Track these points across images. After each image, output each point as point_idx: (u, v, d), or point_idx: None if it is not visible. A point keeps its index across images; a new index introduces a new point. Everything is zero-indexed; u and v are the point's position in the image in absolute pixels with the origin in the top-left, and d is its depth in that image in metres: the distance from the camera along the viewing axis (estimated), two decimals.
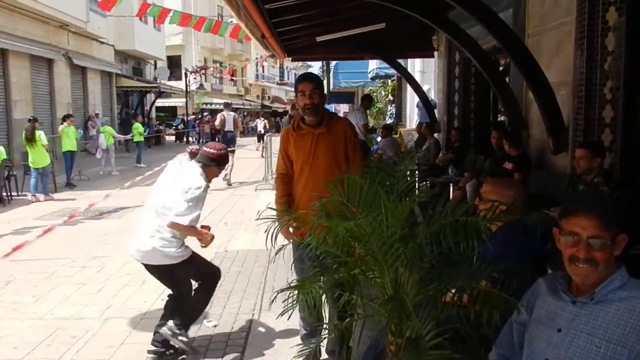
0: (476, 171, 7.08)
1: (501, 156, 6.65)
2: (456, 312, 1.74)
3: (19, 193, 11.60)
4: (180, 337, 3.72)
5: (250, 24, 7.01)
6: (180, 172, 3.75)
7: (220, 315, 4.57)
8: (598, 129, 4.98)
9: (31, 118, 11.60)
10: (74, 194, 12.16)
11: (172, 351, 3.77)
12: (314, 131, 3.26)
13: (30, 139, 11.04)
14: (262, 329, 4.30)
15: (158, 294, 5.09)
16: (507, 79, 7.47)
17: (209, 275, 3.94)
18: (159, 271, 3.78)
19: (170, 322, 3.74)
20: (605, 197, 1.69)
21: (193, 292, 3.88)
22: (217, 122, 13.49)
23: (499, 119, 8.99)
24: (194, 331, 4.26)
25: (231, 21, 20.77)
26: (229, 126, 12.96)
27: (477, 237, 1.73)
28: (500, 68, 8.63)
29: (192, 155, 4.01)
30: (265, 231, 2.05)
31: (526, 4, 6.79)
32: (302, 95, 3.21)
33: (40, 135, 11.20)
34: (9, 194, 11.03)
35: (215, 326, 4.37)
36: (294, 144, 3.32)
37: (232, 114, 13.80)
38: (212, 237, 3.72)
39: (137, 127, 18.64)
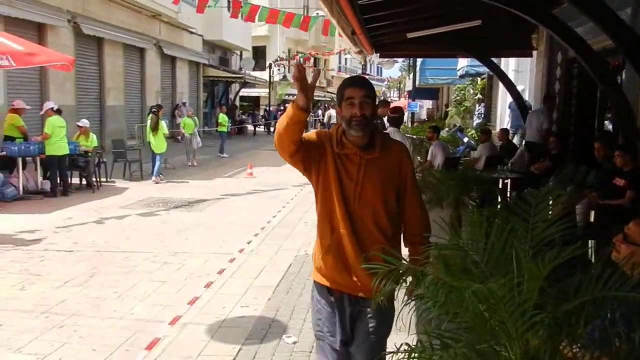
0: (580, 185, 6.46)
1: (610, 170, 6.02)
2: None
3: (108, 179, 11.99)
4: None
5: (342, 21, 6.76)
6: None
7: (300, 331, 4.34)
8: None
9: (154, 110, 13.18)
10: (160, 183, 12.43)
11: None
12: (363, 154, 2.44)
13: (155, 128, 12.67)
14: None
15: (236, 300, 4.96)
16: None
17: None
18: None
19: None
20: None
21: None
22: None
23: (603, 127, 8.26)
24: (272, 347, 4.06)
25: (317, 13, 20.69)
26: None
27: None
28: None
29: None
30: (374, 282, 1.71)
31: None
32: (349, 105, 2.40)
33: (162, 124, 12.96)
34: (98, 179, 11.41)
35: (294, 343, 4.14)
36: (332, 164, 2.45)
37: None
38: None
39: (222, 117, 18.89)
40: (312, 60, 40.23)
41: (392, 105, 10.39)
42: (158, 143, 12.66)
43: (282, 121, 2.31)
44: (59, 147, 10.14)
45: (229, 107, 26.24)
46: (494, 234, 1.63)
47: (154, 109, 13.25)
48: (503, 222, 1.68)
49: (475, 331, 1.55)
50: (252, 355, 3.94)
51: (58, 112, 10.44)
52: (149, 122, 13.20)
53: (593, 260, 4.81)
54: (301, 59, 37.89)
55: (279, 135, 2.34)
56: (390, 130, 6.57)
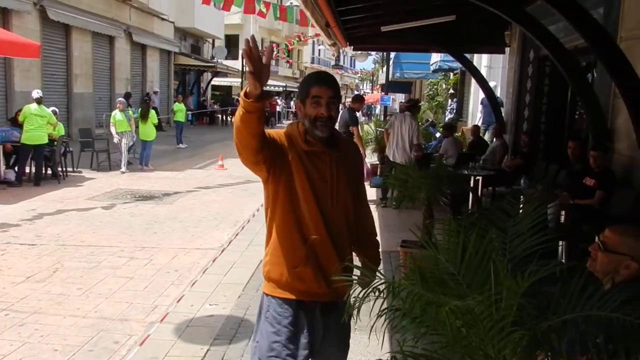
0: (550, 184, 6.51)
1: (580, 169, 6.08)
2: None
3: (74, 169, 11.67)
4: None
5: (316, 13, 6.65)
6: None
7: None
8: None
9: (146, 98, 13.86)
10: (129, 173, 12.15)
11: None
12: (331, 152, 2.30)
13: (144, 116, 12.88)
14: None
15: (205, 299, 4.85)
16: None
17: None
18: None
19: None
20: None
21: None
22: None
23: (574, 126, 8.35)
24: (241, 347, 3.97)
25: (291, 3, 20.47)
26: None
27: None
28: None
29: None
30: (350, 294, 1.62)
31: (621, 5, 6.15)
32: (315, 103, 2.22)
33: (152, 113, 13.13)
34: (64, 169, 11.09)
35: None
36: (300, 163, 2.25)
37: None
38: None
39: (178, 106, 18.22)
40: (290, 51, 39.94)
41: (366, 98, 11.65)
42: (147, 131, 12.84)
43: (237, 115, 2.05)
44: (32, 135, 9.91)
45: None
46: (472, 246, 1.58)
47: (146, 98, 13.86)
48: (480, 233, 1.62)
49: (452, 348, 1.49)
50: (220, 356, 3.84)
51: (37, 101, 10.12)
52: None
53: (563, 259, 4.86)
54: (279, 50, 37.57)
55: (237, 131, 2.06)
56: (406, 114, 8.84)
